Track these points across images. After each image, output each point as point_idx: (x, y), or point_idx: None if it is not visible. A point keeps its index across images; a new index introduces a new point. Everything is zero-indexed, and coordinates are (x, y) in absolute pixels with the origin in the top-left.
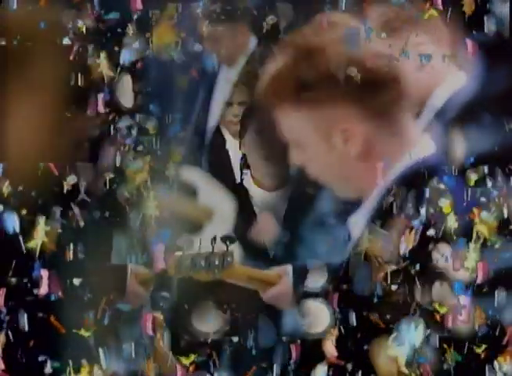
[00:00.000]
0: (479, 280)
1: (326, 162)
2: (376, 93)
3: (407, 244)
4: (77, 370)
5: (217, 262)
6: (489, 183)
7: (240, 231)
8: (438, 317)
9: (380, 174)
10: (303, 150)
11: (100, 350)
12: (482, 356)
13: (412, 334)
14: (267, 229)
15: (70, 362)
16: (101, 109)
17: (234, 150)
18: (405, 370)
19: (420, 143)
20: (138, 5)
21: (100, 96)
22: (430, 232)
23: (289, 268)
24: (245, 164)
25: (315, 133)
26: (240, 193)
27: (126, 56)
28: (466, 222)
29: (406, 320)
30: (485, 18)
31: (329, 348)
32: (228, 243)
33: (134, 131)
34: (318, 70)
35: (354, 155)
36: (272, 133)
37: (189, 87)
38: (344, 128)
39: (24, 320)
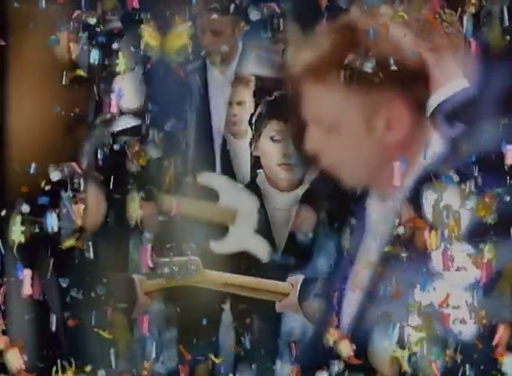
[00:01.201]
0: (482, 281)
1: (357, 145)
2: (418, 84)
3: (431, 245)
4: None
5: (176, 269)
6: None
7: (263, 227)
8: (440, 317)
9: (398, 173)
10: (332, 131)
11: (111, 351)
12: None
13: (390, 335)
14: (308, 221)
15: (59, 361)
16: (114, 109)
17: (234, 149)
18: (408, 369)
19: (432, 142)
20: (135, 3)
21: (114, 96)
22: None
23: (300, 278)
24: (258, 165)
25: (357, 115)
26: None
27: (95, 56)
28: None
29: (384, 321)
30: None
31: (345, 348)
32: (189, 252)
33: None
34: (369, 55)
35: (392, 142)
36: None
37: (184, 87)
38: (390, 116)
39: (53, 320)
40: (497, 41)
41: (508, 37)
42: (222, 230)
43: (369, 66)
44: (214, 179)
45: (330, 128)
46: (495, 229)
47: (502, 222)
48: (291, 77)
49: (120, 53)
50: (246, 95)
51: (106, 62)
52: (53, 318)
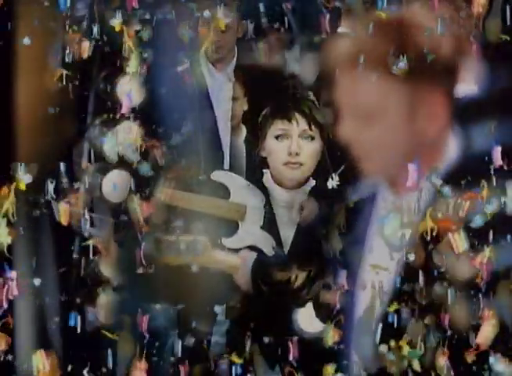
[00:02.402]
0: (484, 281)
1: (393, 136)
2: (452, 80)
3: (457, 248)
4: None
5: (183, 248)
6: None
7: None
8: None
9: (413, 175)
10: (368, 120)
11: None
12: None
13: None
14: (311, 213)
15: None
16: (125, 110)
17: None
18: (418, 369)
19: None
20: (135, 2)
21: (125, 98)
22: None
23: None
24: (264, 164)
25: (398, 105)
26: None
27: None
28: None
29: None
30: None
31: None
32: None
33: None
34: (416, 47)
35: (431, 135)
36: None
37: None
38: (431, 110)
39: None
40: (497, 41)
41: (508, 38)
42: (233, 226)
43: (404, 63)
44: (225, 177)
45: (367, 118)
46: (494, 230)
47: (502, 223)
48: (329, 64)
49: (132, 55)
50: (239, 92)
51: (118, 63)
52: (77, 318)
